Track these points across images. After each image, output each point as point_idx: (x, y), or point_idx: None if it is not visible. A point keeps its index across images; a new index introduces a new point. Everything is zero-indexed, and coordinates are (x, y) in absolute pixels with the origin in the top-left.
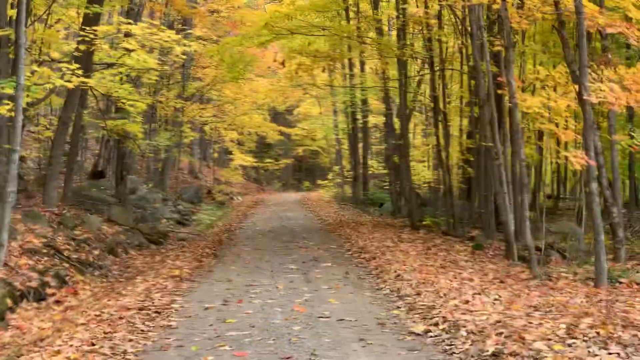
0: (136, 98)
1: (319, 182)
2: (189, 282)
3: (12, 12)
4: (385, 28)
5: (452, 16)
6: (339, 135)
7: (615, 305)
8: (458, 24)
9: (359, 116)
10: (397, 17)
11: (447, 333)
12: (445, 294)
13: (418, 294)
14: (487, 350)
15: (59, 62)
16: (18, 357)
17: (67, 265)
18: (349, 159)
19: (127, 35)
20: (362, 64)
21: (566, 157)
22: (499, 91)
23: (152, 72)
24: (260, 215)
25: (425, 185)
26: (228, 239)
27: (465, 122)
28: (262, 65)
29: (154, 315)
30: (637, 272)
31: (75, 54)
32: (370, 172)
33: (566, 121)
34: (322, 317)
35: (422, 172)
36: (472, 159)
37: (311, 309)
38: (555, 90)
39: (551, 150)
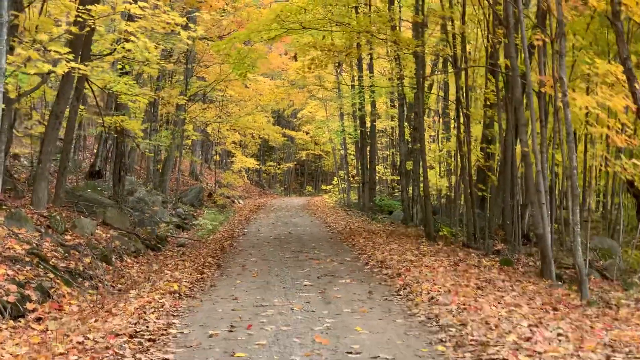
0: (136, 92)
1: (323, 186)
2: (189, 298)
3: None
4: (403, 24)
5: (477, 10)
6: (345, 139)
7: None
8: (487, 17)
9: (367, 119)
10: (417, 11)
11: None
12: (496, 326)
13: (463, 324)
14: None
15: (47, 49)
16: None
17: (52, 275)
18: (355, 163)
19: (129, 19)
20: (371, 66)
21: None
22: (542, 89)
23: (153, 65)
24: (264, 221)
25: (435, 193)
26: (231, 247)
27: (482, 128)
28: (269, 64)
29: (147, 344)
30: None
31: (67, 36)
32: (377, 177)
33: (622, 124)
34: (351, 353)
35: (432, 179)
36: (495, 165)
37: (336, 341)
38: (611, 88)
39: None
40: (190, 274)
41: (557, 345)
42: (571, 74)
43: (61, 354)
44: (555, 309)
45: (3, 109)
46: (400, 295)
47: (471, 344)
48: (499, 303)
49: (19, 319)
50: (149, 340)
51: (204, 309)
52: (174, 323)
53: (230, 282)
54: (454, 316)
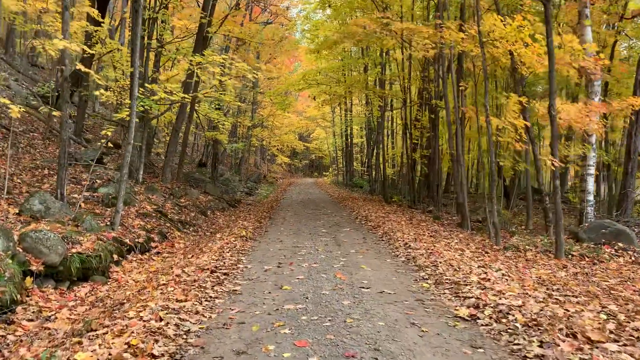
0: (223, 119)
1: (324, 173)
2: (252, 240)
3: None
4: (371, 80)
5: (418, 71)
6: (335, 149)
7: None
8: (426, 72)
9: (354, 134)
10: (382, 72)
11: (497, 322)
12: (459, 267)
13: (434, 265)
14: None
15: (171, 92)
16: (88, 331)
17: (169, 225)
18: (342, 161)
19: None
20: (350, 108)
21: (543, 162)
22: (467, 115)
23: (232, 104)
24: (294, 191)
25: (389, 176)
26: (277, 206)
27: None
28: (297, 106)
29: (222, 277)
30: (574, 245)
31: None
32: (353, 168)
33: (520, 135)
34: (363, 288)
35: (387, 169)
36: (427, 161)
37: (350, 276)
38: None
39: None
40: (253, 223)
41: (507, 284)
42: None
43: (163, 284)
44: (486, 252)
45: (137, 123)
46: (384, 240)
47: (447, 282)
48: (450, 248)
49: (145, 253)
50: (224, 274)
51: (262, 248)
52: (241, 259)
53: (277, 229)
54: (426, 258)
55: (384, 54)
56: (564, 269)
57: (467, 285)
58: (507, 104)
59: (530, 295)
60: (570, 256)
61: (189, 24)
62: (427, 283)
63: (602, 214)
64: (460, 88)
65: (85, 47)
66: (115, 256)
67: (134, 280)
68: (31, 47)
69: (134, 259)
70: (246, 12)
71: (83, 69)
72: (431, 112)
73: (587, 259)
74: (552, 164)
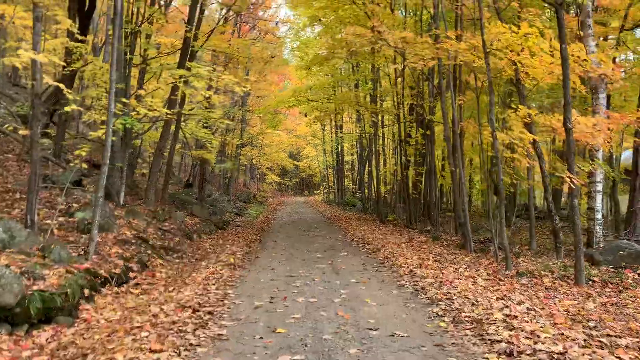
0: (211, 138)
1: (314, 191)
2: (240, 269)
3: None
4: (362, 95)
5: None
6: (326, 167)
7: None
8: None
9: (344, 152)
10: (374, 88)
11: None
12: (477, 301)
13: (449, 298)
14: None
15: (154, 108)
16: None
17: (150, 251)
18: (333, 179)
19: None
20: (341, 125)
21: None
22: (464, 130)
23: (219, 122)
24: (285, 211)
25: (382, 194)
26: (267, 227)
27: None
28: (287, 124)
29: (206, 318)
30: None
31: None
32: (344, 185)
33: (527, 151)
34: (371, 330)
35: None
36: (422, 179)
37: (354, 314)
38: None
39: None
40: (242, 248)
41: (537, 322)
42: (486, 120)
43: (138, 326)
44: (500, 280)
45: (116, 141)
46: (386, 267)
47: (466, 320)
48: (460, 275)
49: (123, 284)
50: (208, 313)
51: (251, 278)
52: (228, 293)
53: (268, 254)
54: (437, 289)
55: (376, 69)
56: (590, 299)
57: (491, 324)
58: (510, 117)
59: (568, 337)
60: (591, 282)
61: (175, 40)
62: (444, 321)
63: (610, 232)
64: (460, 102)
65: (56, 60)
66: (86, 291)
67: (105, 319)
68: (13, 66)
69: (110, 292)
70: (235, 28)
71: (59, 85)
72: (427, 128)
73: (610, 286)
74: (571, 182)
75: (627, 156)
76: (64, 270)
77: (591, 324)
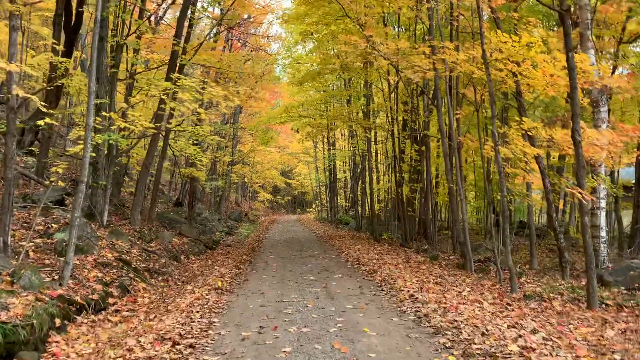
0: (201, 156)
1: (307, 209)
2: (228, 293)
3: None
4: (355, 111)
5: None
6: (319, 184)
7: None
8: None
9: (337, 169)
10: (367, 104)
11: None
12: (486, 330)
13: (456, 327)
14: None
15: (138, 122)
16: None
17: (132, 275)
18: (325, 197)
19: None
20: (334, 142)
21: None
22: (464, 145)
23: (208, 138)
24: (277, 229)
25: (376, 212)
26: (258, 247)
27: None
28: (279, 141)
29: (187, 352)
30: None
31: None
32: (337, 203)
33: (528, 166)
34: None
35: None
36: (416, 196)
37: (352, 347)
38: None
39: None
40: (231, 270)
41: (555, 354)
42: (485, 134)
43: None
44: (508, 305)
45: (99, 157)
46: (384, 290)
47: (478, 354)
48: (464, 299)
49: (101, 311)
50: (190, 346)
51: (239, 303)
52: (214, 322)
53: (258, 276)
54: (441, 316)
55: (369, 85)
56: (606, 325)
57: (507, 357)
58: (510, 132)
59: None
60: (604, 305)
61: (164, 56)
62: (453, 355)
63: (612, 249)
64: (457, 116)
65: (35, 73)
66: (57, 320)
67: (77, 353)
68: None
69: (85, 321)
70: (226, 45)
71: (33, 98)
72: (421, 144)
73: (626, 310)
74: (583, 197)
75: (625, 172)
76: (33, 297)
77: (617, 356)
